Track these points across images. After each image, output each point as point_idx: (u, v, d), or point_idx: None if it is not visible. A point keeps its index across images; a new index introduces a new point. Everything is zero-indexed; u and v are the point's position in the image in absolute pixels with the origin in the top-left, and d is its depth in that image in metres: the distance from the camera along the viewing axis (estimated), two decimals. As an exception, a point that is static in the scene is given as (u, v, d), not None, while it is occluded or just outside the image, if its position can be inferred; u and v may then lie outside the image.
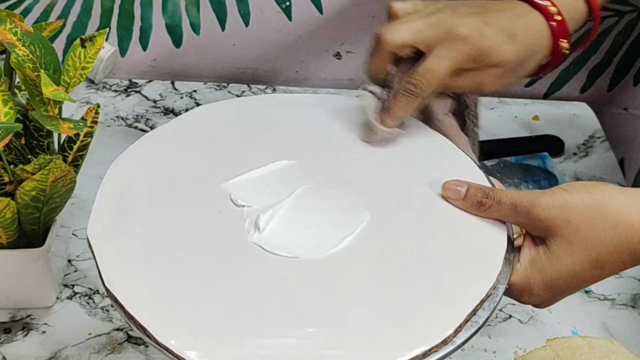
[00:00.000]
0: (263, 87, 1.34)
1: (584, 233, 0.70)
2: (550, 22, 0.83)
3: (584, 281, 0.72)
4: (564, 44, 0.84)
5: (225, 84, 1.34)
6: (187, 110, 1.25)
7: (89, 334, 0.92)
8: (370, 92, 0.83)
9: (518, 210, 0.72)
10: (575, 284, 0.72)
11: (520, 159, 1.17)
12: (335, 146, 0.82)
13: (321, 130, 0.84)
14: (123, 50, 1.32)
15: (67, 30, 1.29)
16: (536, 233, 0.73)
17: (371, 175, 0.79)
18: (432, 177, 0.77)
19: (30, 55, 0.81)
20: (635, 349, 0.91)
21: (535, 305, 0.76)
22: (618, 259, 0.70)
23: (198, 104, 1.28)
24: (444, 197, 0.75)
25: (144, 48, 1.33)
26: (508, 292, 0.72)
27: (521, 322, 0.94)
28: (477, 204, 0.74)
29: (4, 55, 0.86)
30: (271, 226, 0.72)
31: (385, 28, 0.81)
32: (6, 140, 0.77)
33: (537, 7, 0.83)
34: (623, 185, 1.16)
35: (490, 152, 1.17)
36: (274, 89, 1.33)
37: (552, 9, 0.83)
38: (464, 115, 0.91)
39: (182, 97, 1.30)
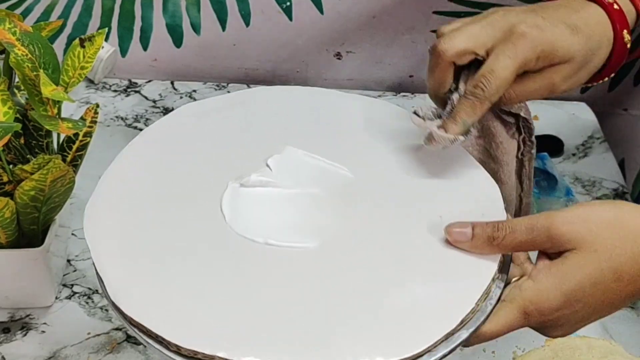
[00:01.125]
0: (263, 87, 1.34)
1: (607, 242, 0.66)
2: (609, 13, 0.79)
3: (603, 294, 0.68)
4: (626, 35, 0.80)
5: (224, 84, 1.34)
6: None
7: (88, 333, 0.92)
8: (415, 113, 0.78)
9: (535, 231, 0.67)
10: (596, 297, 0.68)
11: (520, 159, 1.17)
12: (331, 138, 0.82)
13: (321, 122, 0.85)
14: (123, 50, 1.33)
15: (68, 30, 1.29)
16: (555, 250, 0.68)
17: (377, 179, 0.78)
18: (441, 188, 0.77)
19: (29, 55, 0.81)
20: (634, 350, 0.91)
21: (555, 333, 0.71)
22: (637, 270, 0.67)
23: (198, 104, 1.28)
24: (448, 242, 0.71)
25: (145, 48, 1.33)
26: (525, 319, 0.68)
27: (520, 323, 0.94)
28: (489, 240, 0.69)
29: (3, 55, 0.86)
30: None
31: (440, 39, 0.77)
32: (5, 140, 0.77)
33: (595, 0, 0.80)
34: (623, 186, 1.16)
35: (489, 152, 1.17)
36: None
37: (626, 37, 0.80)
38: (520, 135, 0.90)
39: (181, 97, 1.30)
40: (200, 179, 0.77)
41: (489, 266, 0.69)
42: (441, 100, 0.79)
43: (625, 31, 0.80)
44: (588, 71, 0.80)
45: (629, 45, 0.81)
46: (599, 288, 0.67)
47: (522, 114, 0.87)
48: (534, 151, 0.90)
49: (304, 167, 0.78)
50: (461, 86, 0.77)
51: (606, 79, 0.86)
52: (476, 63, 0.76)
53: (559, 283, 0.67)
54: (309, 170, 0.78)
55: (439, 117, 0.77)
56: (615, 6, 0.79)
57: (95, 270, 0.68)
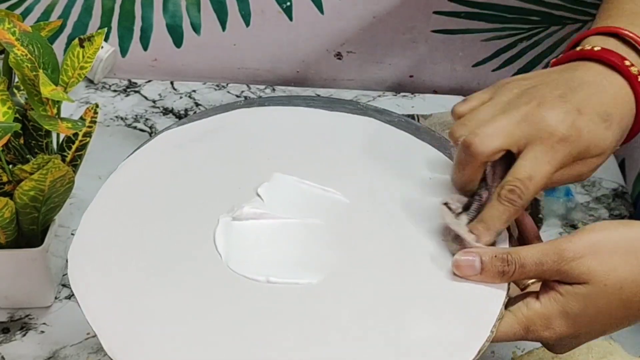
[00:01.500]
0: (262, 87, 1.34)
1: (618, 273, 0.65)
2: (633, 85, 0.75)
3: (609, 320, 0.67)
4: None
5: (224, 84, 1.34)
6: (186, 110, 1.26)
7: (87, 333, 0.92)
8: (446, 205, 0.73)
9: (545, 266, 0.66)
10: (602, 324, 0.68)
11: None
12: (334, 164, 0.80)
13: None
14: (124, 50, 1.33)
15: (68, 30, 1.29)
16: (566, 282, 0.67)
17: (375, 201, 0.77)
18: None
19: (29, 55, 0.81)
20: (633, 350, 0.91)
21: (556, 351, 0.71)
22: None
23: (197, 104, 1.28)
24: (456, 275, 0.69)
25: (145, 48, 1.33)
26: (525, 334, 0.68)
27: (520, 323, 0.94)
28: (499, 275, 0.67)
29: (2, 55, 0.86)
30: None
31: (473, 136, 0.70)
32: (5, 140, 0.77)
33: (617, 68, 0.75)
34: (622, 186, 1.16)
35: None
36: (274, 89, 1.33)
37: (634, 70, 0.75)
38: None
39: (181, 97, 1.30)
40: (189, 215, 0.74)
41: (499, 293, 0.68)
42: (469, 193, 0.75)
43: None
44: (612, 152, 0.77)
45: None
46: (605, 316, 0.67)
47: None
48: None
49: (296, 194, 0.76)
50: (489, 181, 0.73)
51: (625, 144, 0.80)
52: (504, 157, 0.72)
53: (565, 313, 0.66)
54: (302, 198, 0.76)
55: (467, 207, 0.73)
56: (634, 71, 0.75)
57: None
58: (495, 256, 0.67)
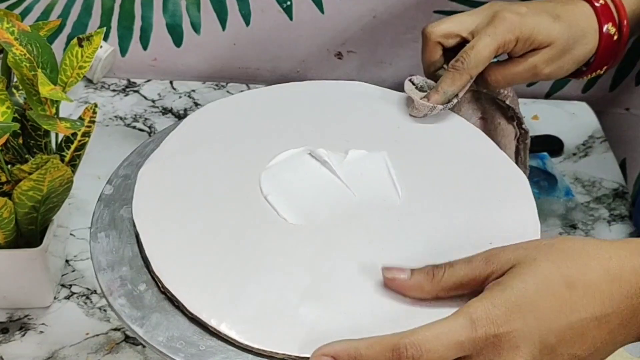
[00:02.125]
0: (263, 86, 1.33)
1: (550, 255, 0.61)
2: (595, 8, 0.86)
3: (557, 302, 0.59)
4: (611, 27, 0.85)
5: (224, 84, 1.33)
6: (185, 110, 1.26)
7: (87, 334, 0.92)
8: (410, 80, 0.85)
9: (474, 261, 0.63)
10: (549, 306, 0.59)
11: (520, 159, 1.16)
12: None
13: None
14: (123, 49, 1.32)
15: (68, 30, 1.29)
16: (498, 275, 0.62)
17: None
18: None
19: (27, 55, 0.81)
20: (635, 350, 0.91)
21: (517, 355, 0.59)
22: (590, 278, 0.60)
23: (197, 104, 1.28)
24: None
25: (145, 47, 1.33)
26: (473, 327, 0.58)
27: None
28: (428, 277, 0.64)
29: (1, 55, 0.86)
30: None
31: (429, 23, 0.85)
32: (3, 140, 0.77)
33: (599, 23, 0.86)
34: (623, 186, 1.16)
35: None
36: (274, 89, 1.33)
37: (611, 29, 0.86)
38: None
39: (180, 97, 1.30)
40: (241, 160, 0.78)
41: None
42: (433, 79, 0.86)
43: (610, 24, 0.85)
44: (573, 59, 0.86)
45: (615, 38, 0.86)
46: (549, 293, 0.60)
47: (507, 102, 0.89)
48: (528, 141, 0.92)
49: (372, 174, 0.78)
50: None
51: (600, 72, 0.90)
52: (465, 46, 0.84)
53: (503, 290, 0.59)
54: (371, 179, 0.77)
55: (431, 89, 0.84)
56: (601, 1, 0.86)
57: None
58: (426, 266, 0.64)
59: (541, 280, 0.60)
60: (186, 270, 0.67)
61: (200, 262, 0.68)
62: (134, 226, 0.71)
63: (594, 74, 0.91)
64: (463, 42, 0.85)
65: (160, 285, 0.66)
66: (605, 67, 0.90)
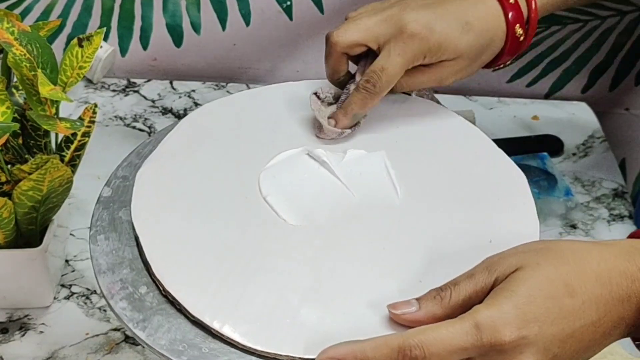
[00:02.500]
0: (263, 86, 1.34)
1: (548, 258, 0.61)
2: (505, 8, 0.83)
3: (560, 312, 0.60)
4: (519, 29, 0.84)
5: (224, 84, 1.33)
6: (185, 110, 1.26)
7: (87, 334, 0.92)
8: (315, 94, 0.83)
9: (476, 274, 0.62)
10: (554, 316, 0.59)
11: (520, 159, 1.16)
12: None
13: None
14: (123, 49, 1.32)
15: (68, 30, 1.29)
16: (500, 281, 0.61)
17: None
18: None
19: (27, 55, 0.81)
20: (635, 351, 0.91)
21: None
22: (586, 284, 0.60)
23: (196, 104, 1.28)
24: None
25: (145, 47, 1.33)
26: (477, 334, 0.58)
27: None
28: (438, 301, 0.62)
29: (1, 55, 0.86)
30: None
31: (334, 29, 0.82)
32: (3, 140, 0.77)
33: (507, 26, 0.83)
34: (622, 186, 1.16)
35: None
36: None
37: (518, 31, 0.84)
38: None
39: (180, 97, 1.30)
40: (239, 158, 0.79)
41: None
42: (338, 85, 0.85)
43: (518, 25, 0.84)
44: (479, 64, 0.85)
45: (521, 39, 0.85)
46: (553, 304, 0.60)
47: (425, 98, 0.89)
48: None
49: (370, 174, 0.78)
50: (357, 77, 0.82)
51: (502, 66, 0.89)
52: (372, 54, 0.81)
53: (509, 296, 0.59)
54: (370, 179, 0.77)
55: (337, 99, 0.83)
56: (511, 0, 0.83)
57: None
58: (429, 292, 0.63)
59: (545, 286, 0.60)
60: (187, 273, 0.67)
61: (201, 264, 0.68)
62: (133, 229, 0.71)
63: (495, 68, 0.90)
64: (369, 50, 0.82)
65: (162, 288, 0.66)
66: (507, 62, 0.89)
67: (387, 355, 0.58)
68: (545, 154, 1.18)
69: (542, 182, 1.12)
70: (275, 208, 0.73)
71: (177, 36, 1.32)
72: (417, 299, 0.63)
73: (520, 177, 0.78)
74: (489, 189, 0.77)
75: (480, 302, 0.61)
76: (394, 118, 0.84)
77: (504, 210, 0.74)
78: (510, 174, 0.78)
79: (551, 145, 1.22)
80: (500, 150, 0.81)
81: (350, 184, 0.75)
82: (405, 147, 0.81)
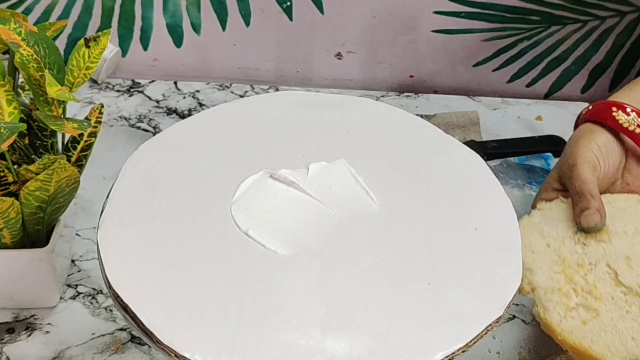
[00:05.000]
0: (266, 87, 1.34)
1: None
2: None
3: None
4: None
5: (228, 84, 1.34)
6: (189, 110, 1.26)
7: (93, 334, 0.92)
8: None
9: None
10: None
11: (524, 159, 1.17)
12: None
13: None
14: (124, 50, 1.33)
15: (68, 30, 1.29)
16: None
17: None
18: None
19: (35, 55, 0.81)
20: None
21: None
22: None
23: (201, 104, 1.28)
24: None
25: (145, 48, 1.33)
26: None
27: (525, 323, 0.94)
28: None
29: (8, 55, 0.86)
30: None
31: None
32: (10, 140, 0.76)
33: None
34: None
35: (493, 152, 1.17)
36: (277, 89, 1.33)
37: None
38: None
39: (184, 97, 1.30)
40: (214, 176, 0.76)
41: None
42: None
43: None
44: None
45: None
46: None
47: None
48: None
49: (340, 184, 0.76)
50: None
51: None
52: None
53: None
54: (341, 189, 0.76)
55: None
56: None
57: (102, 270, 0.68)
58: None
59: None
60: (197, 333, 0.64)
61: (206, 320, 0.65)
62: (117, 298, 0.67)
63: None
64: None
65: (174, 355, 0.64)
66: None
67: None
68: (549, 154, 1.18)
69: (545, 182, 1.13)
70: (260, 241, 0.69)
71: (177, 36, 1.32)
72: None
73: (476, 159, 0.78)
74: (453, 176, 0.76)
75: None
76: (341, 123, 0.82)
77: (474, 195, 0.74)
78: (467, 159, 0.79)
79: (555, 145, 1.22)
80: (450, 137, 0.81)
81: (324, 200, 0.73)
82: (361, 151, 0.79)
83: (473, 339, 0.65)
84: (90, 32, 1.30)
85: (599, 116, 0.92)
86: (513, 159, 1.17)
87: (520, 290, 0.74)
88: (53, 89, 0.78)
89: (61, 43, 1.30)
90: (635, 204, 0.86)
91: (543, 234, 0.82)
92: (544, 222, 0.85)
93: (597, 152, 0.89)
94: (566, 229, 0.83)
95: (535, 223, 0.85)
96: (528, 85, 1.37)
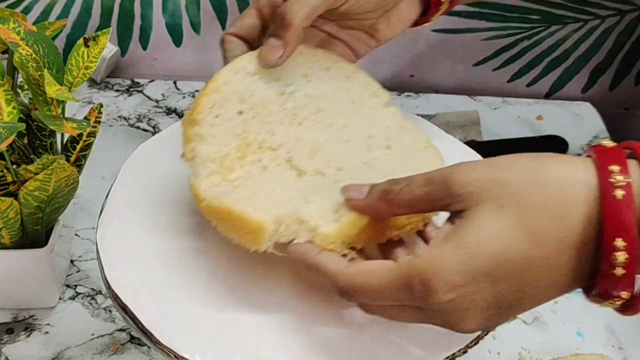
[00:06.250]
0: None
1: (517, 192, 0.54)
2: None
3: (519, 264, 0.54)
4: None
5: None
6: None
7: (92, 334, 0.92)
8: None
9: (433, 183, 0.57)
10: (510, 269, 0.54)
11: (524, 159, 1.16)
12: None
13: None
14: (123, 49, 1.32)
15: (67, 29, 1.29)
16: (457, 207, 0.56)
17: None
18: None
19: (34, 55, 0.81)
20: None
21: (461, 325, 0.57)
22: (561, 229, 0.54)
23: (200, 104, 1.28)
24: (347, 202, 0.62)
25: (144, 47, 1.32)
26: (406, 289, 0.55)
27: (525, 323, 0.94)
28: (384, 194, 0.59)
29: (7, 55, 0.85)
30: None
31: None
32: (9, 140, 0.76)
33: None
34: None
35: (493, 152, 1.16)
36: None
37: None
38: None
39: (184, 97, 1.30)
40: None
41: None
42: None
43: None
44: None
45: None
46: (510, 256, 0.54)
47: None
48: None
49: None
50: None
51: (436, 15, 0.82)
52: None
53: (453, 248, 0.54)
54: None
55: None
56: None
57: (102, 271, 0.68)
58: (386, 181, 0.60)
59: (504, 240, 0.54)
60: (192, 327, 0.65)
61: (205, 316, 0.66)
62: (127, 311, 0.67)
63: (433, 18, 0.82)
64: None
65: None
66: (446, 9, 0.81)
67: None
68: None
69: (546, 182, 1.13)
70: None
71: (176, 36, 1.31)
72: (371, 187, 0.61)
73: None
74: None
75: (426, 210, 0.59)
76: None
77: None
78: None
79: (556, 145, 1.22)
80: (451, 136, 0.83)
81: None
82: None
83: (473, 340, 0.65)
84: (90, 31, 1.29)
85: None
86: (513, 159, 1.16)
87: (182, 156, 0.68)
88: (52, 89, 0.78)
89: (60, 43, 1.29)
90: (349, 78, 0.77)
91: (243, 97, 0.71)
92: (257, 75, 0.72)
93: None
94: (274, 97, 0.72)
95: (246, 75, 0.72)
96: (528, 85, 1.37)
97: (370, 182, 0.62)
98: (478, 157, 0.80)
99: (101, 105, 0.88)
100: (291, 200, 0.64)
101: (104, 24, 1.29)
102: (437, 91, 1.36)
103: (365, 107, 0.75)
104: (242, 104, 0.70)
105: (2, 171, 0.81)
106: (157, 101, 1.28)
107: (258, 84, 0.72)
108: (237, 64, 0.72)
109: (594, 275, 0.55)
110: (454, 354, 0.65)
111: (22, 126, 0.78)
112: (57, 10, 1.27)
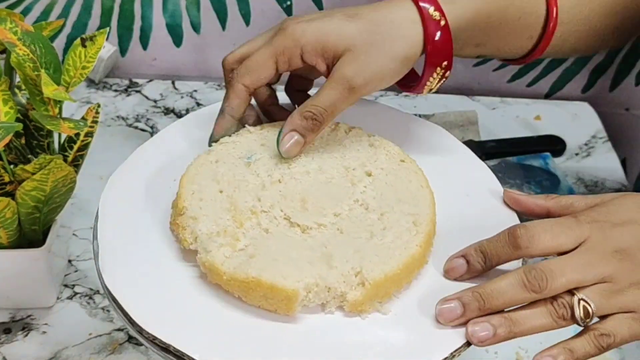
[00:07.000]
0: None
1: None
2: (423, 16, 0.76)
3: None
4: (434, 12, 0.76)
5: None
6: (187, 110, 1.26)
7: (90, 334, 0.92)
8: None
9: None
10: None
11: (522, 159, 1.16)
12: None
13: None
14: (123, 49, 1.32)
15: (67, 29, 1.29)
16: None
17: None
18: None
19: (31, 55, 0.81)
20: (637, 352, 0.91)
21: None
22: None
23: (199, 104, 1.28)
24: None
25: (144, 47, 1.33)
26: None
27: (523, 323, 0.94)
28: (478, 306, 0.68)
29: (4, 55, 0.85)
30: None
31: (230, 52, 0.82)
32: (6, 140, 0.76)
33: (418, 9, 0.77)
34: (625, 186, 1.16)
35: (491, 152, 1.17)
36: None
37: (434, 14, 0.76)
38: None
39: (182, 97, 1.30)
40: None
41: None
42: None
43: (432, 7, 0.76)
44: (390, 56, 0.76)
45: (442, 23, 0.76)
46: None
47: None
48: None
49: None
50: None
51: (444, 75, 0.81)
52: None
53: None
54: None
55: None
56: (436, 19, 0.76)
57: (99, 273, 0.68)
58: (473, 292, 0.67)
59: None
60: (191, 326, 0.65)
61: (203, 316, 0.66)
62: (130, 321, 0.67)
63: (434, 81, 0.82)
64: None
65: None
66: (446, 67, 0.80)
67: (500, 240, 0.68)
68: (548, 154, 1.18)
69: (544, 182, 1.12)
70: None
71: (176, 36, 1.32)
72: (462, 305, 0.66)
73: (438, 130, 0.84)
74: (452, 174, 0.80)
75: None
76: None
77: (453, 163, 0.80)
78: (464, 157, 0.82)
79: (554, 145, 1.22)
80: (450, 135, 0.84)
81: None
82: None
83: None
84: (90, 31, 1.29)
85: None
86: (512, 159, 1.17)
87: (181, 243, 0.70)
88: (49, 89, 0.78)
89: (60, 43, 1.30)
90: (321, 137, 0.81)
91: (217, 179, 0.74)
92: (221, 161, 0.76)
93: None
94: (244, 170, 0.76)
95: (211, 163, 0.76)
96: (529, 85, 1.37)
97: (371, 224, 0.70)
98: (475, 156, 0.80)
99: (98, 105, 0.89)
100: (312, 263, 0.66)
101: (104, 24, 1.29)
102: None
103: (330, 142, 0.79)
104: (219, 184, 0.73)
105: (-1, 171, 0.82)
106: (155, 101, 1.28)
107: (224, 167, 0.75)
108: (200, 160, 0.76)
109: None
110: (452, 353, 0.65)
111: (20, 126, 0.78)
112: (57, 10, 1.27)
